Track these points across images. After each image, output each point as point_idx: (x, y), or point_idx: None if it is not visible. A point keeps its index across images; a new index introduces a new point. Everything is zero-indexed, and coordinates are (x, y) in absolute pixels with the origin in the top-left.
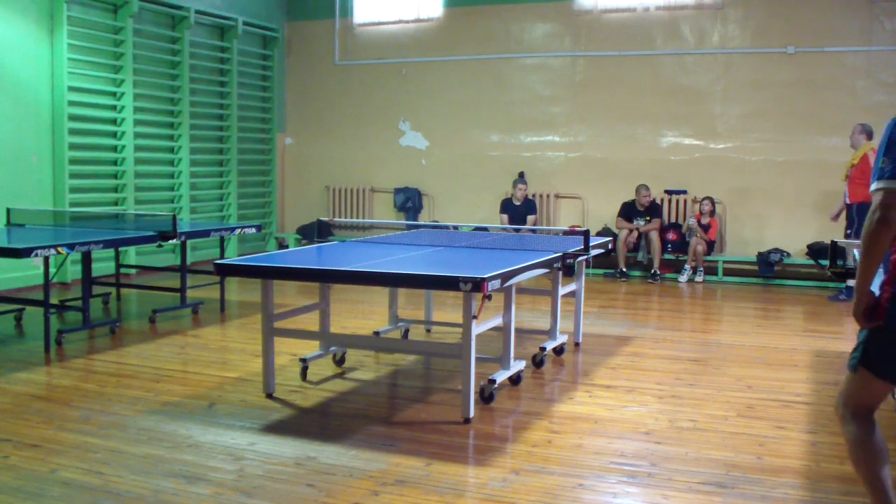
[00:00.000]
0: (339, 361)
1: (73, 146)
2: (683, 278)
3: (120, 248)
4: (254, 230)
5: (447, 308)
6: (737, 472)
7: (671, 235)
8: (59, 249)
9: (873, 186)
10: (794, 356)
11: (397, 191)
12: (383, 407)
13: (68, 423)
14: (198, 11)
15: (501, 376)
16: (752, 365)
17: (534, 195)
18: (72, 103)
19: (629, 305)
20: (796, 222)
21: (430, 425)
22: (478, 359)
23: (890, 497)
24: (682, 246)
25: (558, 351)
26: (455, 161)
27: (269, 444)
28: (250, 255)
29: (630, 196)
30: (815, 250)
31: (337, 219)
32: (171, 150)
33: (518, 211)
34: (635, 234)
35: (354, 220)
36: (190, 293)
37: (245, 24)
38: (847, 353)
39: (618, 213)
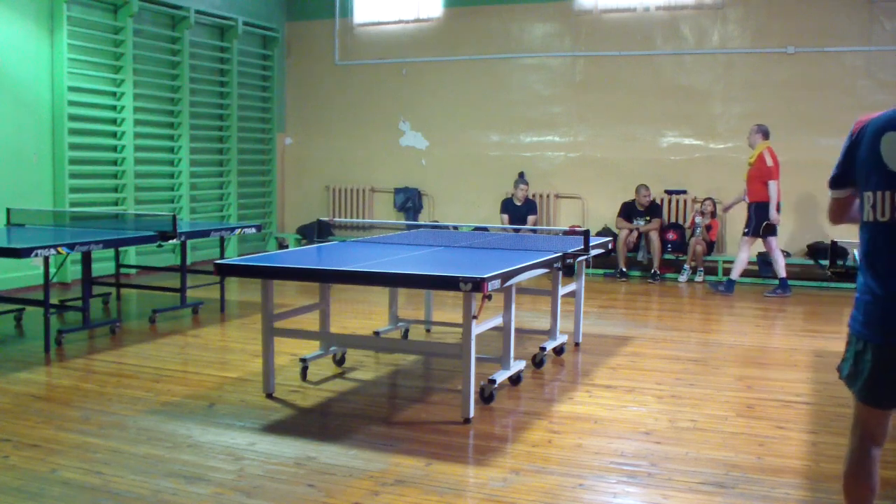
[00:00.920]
0: (339, 361)
1: (73, 146)
2: (683, 278)
3: (120, 248)
4: (254, 230)
5: (447, 308)
6: (737, 472)
7: (671, 235)
8: (59, 249)
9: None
10: (794, 356)
11: (397, 191)
12: (383, 407)
13: (68, 423)
14: (198, 11)
15: (501, 376)
16: (752, 365)
17: (534, 195)
18: (72, 103)
19: (629, 305)
20: (796, 222)
21: (430, 425)
22: (478, 359)
23: None
24: (682, 246)
25: (558, 351)
26: (455, 161)
27: (269, 444)
28: (250, 255)
29: (630, 196)
30: (815, 250)
31: (337, 219)
32: (171, 150)
33: (519, 211)
34: (635, 234)
35: (354, 220)
36: (190, 293)
37: (245, 24)
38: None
39: (618, 213)
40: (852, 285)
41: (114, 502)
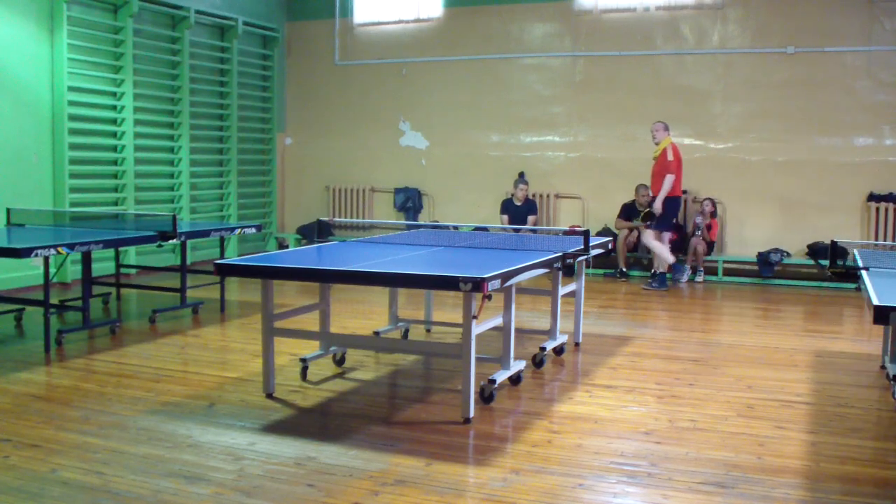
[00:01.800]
0: (339, 361)
1: (73, 146)
2: (683, 278)
3: (120, 248)
4: (254, 230)
5: (447, 308)
6: (737, 472)
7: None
8: (59, 249)
9: None
10: (794, 356)
11: (397, 191)
12: (383, 407)
13: (68, 423)
14: (198, 11)
15: (501, 376)
16: (752, 365)
17: (534, 195)
18: (72, 103)
19: (629, 305)
20: (796, 222)
21: (430, 425)
22: (478, 359)
23: None
24: (682, 246)
25: (558, 351)
26: (455, 161)
27: (269, 444)
28: (250, 255)
29: (630, 196)
30: (815, 250)
31: (337, 219)
32: (171, 150)
33: (519, 211)
34: (635, 233)
35: (354, 220)
36: (190, 293)
37: (245, 24)
38: (847, 352)
39: (618, 214)
40: (852, 285)
41: (114, 502)
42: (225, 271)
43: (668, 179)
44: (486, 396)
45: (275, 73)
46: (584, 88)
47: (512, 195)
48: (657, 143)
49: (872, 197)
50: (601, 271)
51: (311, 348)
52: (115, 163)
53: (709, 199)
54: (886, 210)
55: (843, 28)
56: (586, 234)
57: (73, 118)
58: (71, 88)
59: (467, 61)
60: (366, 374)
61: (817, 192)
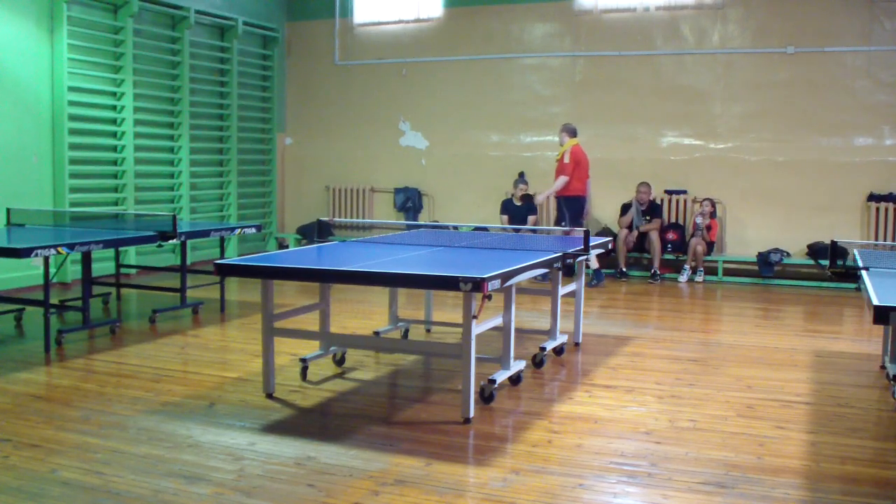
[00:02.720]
0: (339, 361)
1: (73, 146)
2: (683, 278)
3: (120, 248)
4: (254, 230)
5: (447, 308)
6: (737, 472)
7: (671, 235)
8: (59, 249)
9: None
10: (794, 356)
11: (397, 191)
12: (383, 407)
13: (68, 423)
14: (198, 11)
15: (501, 376)
16: (752, 365)
17: (534, 195)
18: (72, 103)
19: (629, 305)
20: (796, 222)
21: (430, 425)
22: (478, 359)
23: None
24: (681, 246)
25: (558, 351)
26: (455, 161)
27: (269, 444)
28: (250, 255)
29: (630, 196)
30: (815, 250)
31: (337, 219)
32: (171, 150)
33: (519, 211)
34: (635, 233)
35: (354, 220)
36: (190, 293)
37: (245, 24)
38: (847, 352)
39: (619, 214)
40: (852, 285)
41: (114, 502)
42: (225, 271)
43: (559, 181)
44: (486, 396)
45: (275, 73)
46: (584, 88)
47: (512, 195)
48: (561, 146)
49: (872, 197)
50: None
51: (311, 348)
52: (115, 163)
53: (708, 199)
54: (886, 210)
55: (843, 28)
56: (586, 234)
57: (73, 118)
58: (71, 88)
59: (467, 61)
60: (366, 374)
61: (817, 192)
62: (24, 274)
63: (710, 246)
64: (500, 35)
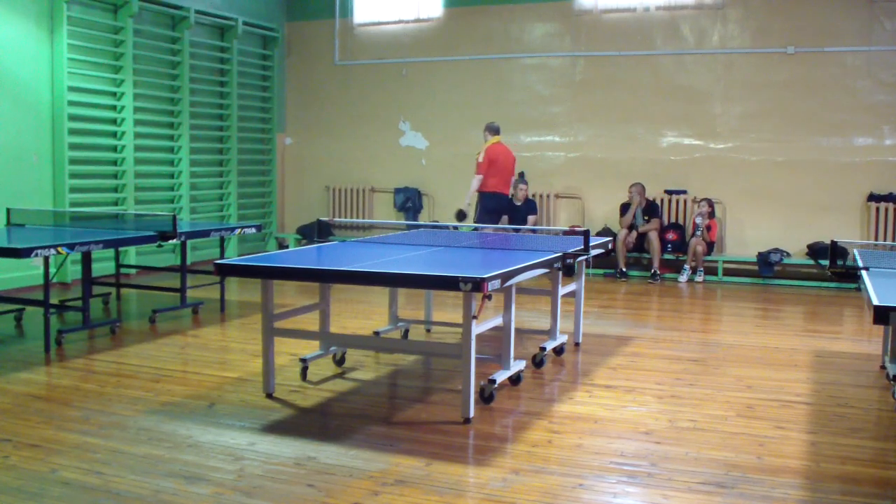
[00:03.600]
0: (339, 361)
1: (73, 146)
2: (683, 278)
3: (120, 248)
4: (254, 230)
5: (447, 308)
6: (737, 472)
7: (671, 235)
8: (59, 249)
9: None
10: (794, 356)
11: (397, 191)
12: (383, 407)
13: (68, 423)
14: (198, 11)
15: (501, 376)
16: (752, 365)
17: (534, 195)
18: (72, 103)
19: (629, 305)
20: (796, 222)
21: (430, 425)
22: (478, 359)
23: None
24: (681, 246)
25: (558, 351)
26: (455, 161)
27: (269, 444)
28: (250, 255)
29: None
30: (815, 250)
31: (337, 219)
32: (171, 150)
33: (519, 211)
34: (634, 234)
35: (354, 220)
36: (190, 293)
37: (245, 24)
38: (847, 352)
39: (619, 214)
40: (852, 285)
41: (114, 502)
42: (225, 271)
43: (475, 180)
44: (486, 396)
45: (275, 73)
46: (584, 88)
47: (512, 195)
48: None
49: (872, 197)
50: (601, 271)
51: (311, 348)
52: (115, 163)
53: (706, 199)
54: (886, 210)
55: (843, 28)
56: (586, 234)
57: (73, 118)
58: (71, 88)
59: (467, 61)
60: (366, 374)
61: (817, 192)
62: (24, 274)
63: (709, 246)
64: (500, 35)
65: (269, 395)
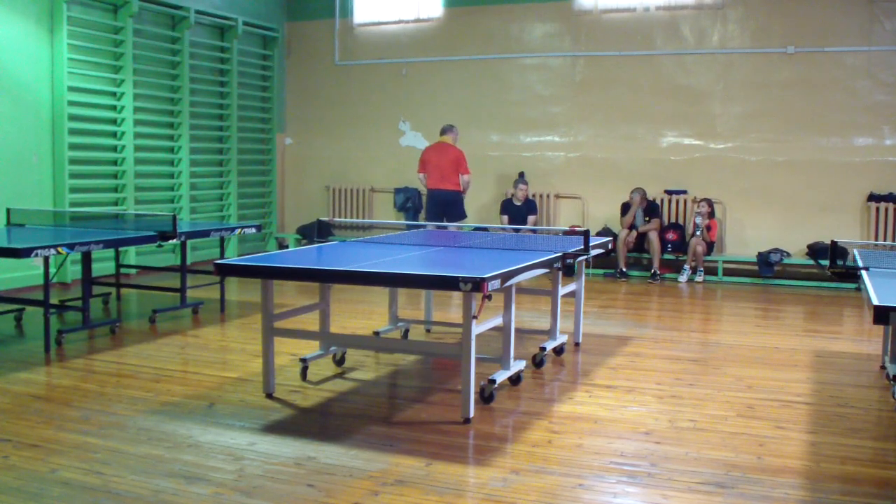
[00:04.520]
0: (339, 361)
1: (73, 146)
2: (683, 278)
3: (120, 248)
4: (254, 230)
5: (447, 308)
6: (737, 472)
7: (671, 235)
8: (59, 249)
9: None
10: (794, 356)
11: (397, 191)
12: (383, 407)
13: (68, 423)
14: (198, 11)
15: (501, 376)
16: (752, 365)
17: (534, 195)
18: (72, 103)
19: (629, 305)
20: (796, 222)
21: (430, 425)
22: (478, 359)
23: None
24: (681, 246)
25: (558, 351)
26: None
27: (269, 444)
28: (250, 255)
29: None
30: (815, 250)
31: (337, 219)
32: (171, 150)
33: (519, 211)
34: (634, 233)
35: (354, 220)
36: (190, 293)
37: (245, 24)
38: (847, 352)
39: (620, 213)
40: (852, 285)
41: (114, 502)
42: (225, 271)
43: (420, 177)
44: (486, 396)
45: (275, 73)
46: (584, 88)
47: (512, 195)
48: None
49: (872, 197)
50: (601, 271)
51: (311, 348)
52: (115, 163)
53: (705, 199)
54: (886, 210)
55: (843, 28)
56: (586, 234)
57: (73, 118)
58: (71, 88)
59: (467, 61)
60: (366, 374)
61: (817, 192)
62: (24, 274)
63: (709, 246)
64: (500, 35)
65: (269, 395)
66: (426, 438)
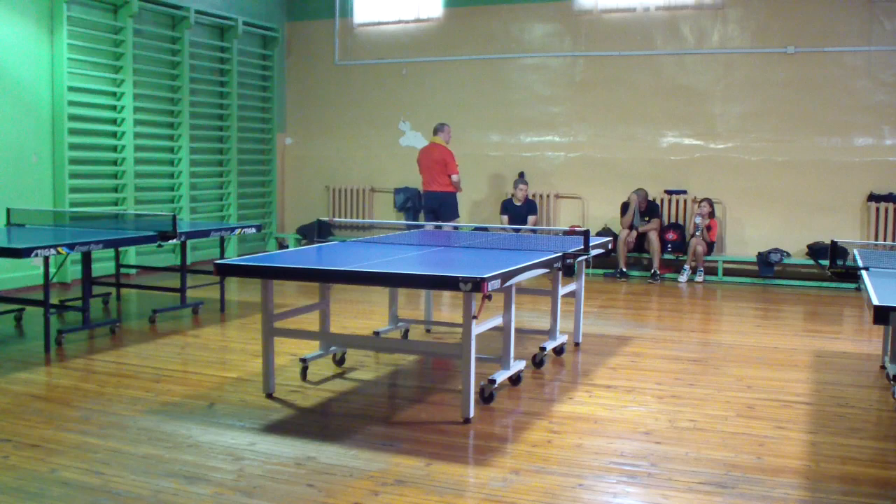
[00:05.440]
0: (339, 361)
1: (73, 146)
2: (683, 278)
3: (120, 248)
4: (254, 230)
5: (447, 308)
6: (737, 472)
7: (671, 235)
8: (59, 249)
9: None
10: (794, 356)
11: (397, 191)
12: (383, 407)
13: (68, 423)
14: (198, 11)
15: (501, 376)
16: (752, 365)
17: (534, 195)
18: (72, 103)
19: (629, 305)
20: (796, 222)
21: (430, 425)
22: (478, 359)
23: None
24: (681, 246)
25: (558, 351)
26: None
27: (269, 444)
28: (250, 255)
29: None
30: (815, 250)
31: (337, 219)
32: (171, 150)
33: (519, 211)
34: (635, 233)
35: (354, 220)
36: (190, 293)
37: (245, 24)
38: (847, 352)
39: (620, 213)
40: (852, 285)
41: (114, 502)
42: (225, 271)
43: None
44: (486, 396)
45: (275, 73)
46: (584, 88)
47: (512, 195)
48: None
49: (872, 197)
50: (601, 271)
51: (311, 348)
52: (115, 163)
53: (706, 199)
54: (886, 210)
55: (843, 28)
56: (586, 234)
57: (73, 118)
58: (71, 88)
59: (467, 61)
60: (366, 374)
61: (817, 192)
62: (24, 274)
63: (709, 246)
64: (500, 35)
65: (269, 395)
66: (426, 438)
